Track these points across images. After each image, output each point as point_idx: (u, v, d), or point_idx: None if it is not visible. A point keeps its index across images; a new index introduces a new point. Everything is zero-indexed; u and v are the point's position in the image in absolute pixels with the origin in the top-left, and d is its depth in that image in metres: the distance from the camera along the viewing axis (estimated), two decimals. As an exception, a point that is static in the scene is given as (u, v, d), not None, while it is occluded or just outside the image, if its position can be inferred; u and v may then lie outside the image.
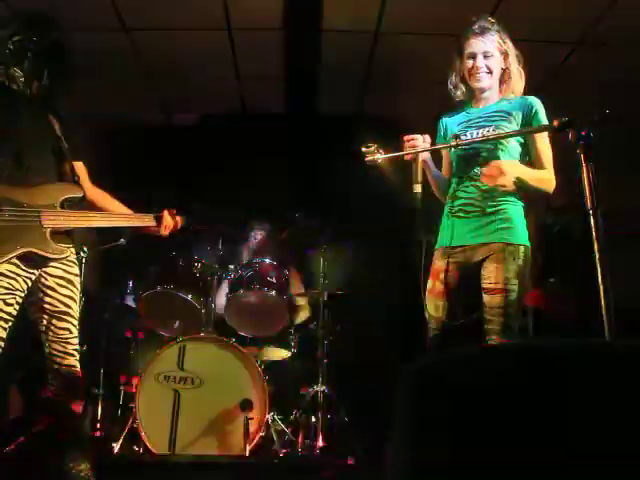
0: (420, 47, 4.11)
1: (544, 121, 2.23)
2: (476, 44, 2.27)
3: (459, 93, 2.40)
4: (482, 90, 2.34)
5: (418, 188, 2.14)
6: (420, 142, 2.19)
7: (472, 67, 2.29)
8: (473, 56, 2.28)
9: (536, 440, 0.79)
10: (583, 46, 4.09)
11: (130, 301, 3.95)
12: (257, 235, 4.28)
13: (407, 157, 2.20)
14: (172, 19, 3.91)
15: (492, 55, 2.27)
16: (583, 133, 1.51)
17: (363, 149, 2.13)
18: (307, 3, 3.78)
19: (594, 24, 3.84)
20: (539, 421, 0.79)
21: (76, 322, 2.13)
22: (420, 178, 2.16)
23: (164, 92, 4.92)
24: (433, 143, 2.38)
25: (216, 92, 4.94)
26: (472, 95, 2.40)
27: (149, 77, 4.65)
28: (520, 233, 2.24)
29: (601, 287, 1.41)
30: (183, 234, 2.49)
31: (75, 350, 2.11)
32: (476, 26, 2.29)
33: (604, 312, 1.40)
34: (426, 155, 2.32)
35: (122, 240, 3.81)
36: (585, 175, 1.52)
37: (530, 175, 2.23)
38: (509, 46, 2.30)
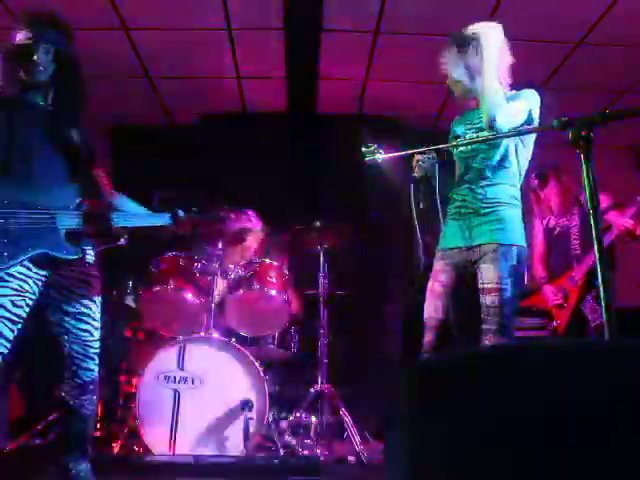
0: (420, 47, 4.11)
1: (527, 99, 2.26)
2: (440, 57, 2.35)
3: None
4: (463, 96, 2.37)
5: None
6: None
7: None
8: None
9: (538, 440, 0.79)
10: (583, 46, 4.09)
11: (130, 301, 3.95)
12: (257, 235, 4.28)
13: None
14: (172, 19, 3.91)
15: (445, 63, 2.34)
16: (583, 133, 1.51)
17: (363, 149, 2.13)
18: (307, 3, 3.78)
19: (594, 24, 3.84)
20: (538, 421, 0.79)
21: (97, 324, 2.11)
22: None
23: (164, 92, 4.92)
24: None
25: (216, 92, 4.94)
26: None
27: (149, 77, 4.65)
28: (512, 234, 2.25)
29: (601, 287, 1.41)
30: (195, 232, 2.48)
31: (95, 354, 2.10)
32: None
33: (604, 312, 1.40)
34: None
35: (122, 240, 3.80)
36: (585, 175, 1.51)
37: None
38: (471, 50, 2.25)
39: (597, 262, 1.45)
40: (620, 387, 0.77)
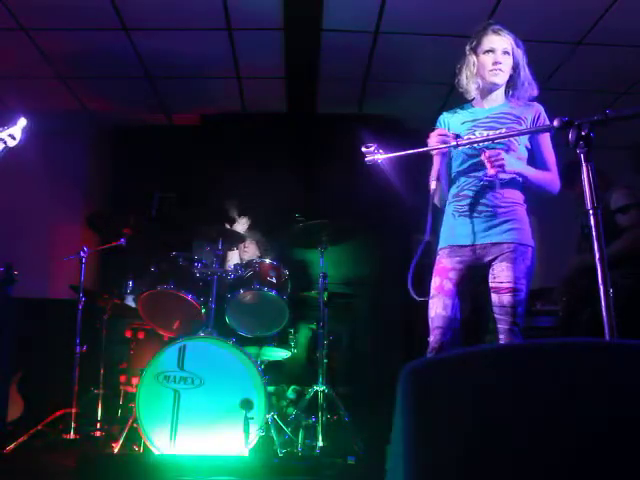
0: (420, 47, 4.11)
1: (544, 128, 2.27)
2: (496, 40, 2.29)
3: (474, 87, 2.36)
4: (494, 87, 2.34)
5: (434, 185, 2.25)
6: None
7: (492, 62, 2.29)
8: (493, 51, 2.29)
9: (538, 440, 0.79)
10: (583, 46, 4.09)
11: (130, 301, 3.95)
12: (247, 245, 4.29)
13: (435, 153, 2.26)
14: (172, 19, 3.91)
15: (509, 54, 2.30)
16: (583, 133, 1.51)
17: (363, 149, 2.13)
18: (307, 3, 3.78)
19: (594, 24, 3.84)
20: (540, 420, 0.79)
21: None
22: (436, 175, 2.28)
23: (164, 92, 4.91)
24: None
25: (216, 92, 4.94)
26: (478, 94, 2.40)
27: (149, 77, 4.65)
28: (528, 234, 2.27)
29: (601, 287, 1.41)
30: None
31: None
32: (495, 26, 2.32)
33: (604, 312, 1.40)
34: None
35: (122, 240, 3.81)
36: (585, 175, 1.51)
37: (533, 173, 2.26)
38: (520, 53, 2.31)
39: (597, 262, 1.45)
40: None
